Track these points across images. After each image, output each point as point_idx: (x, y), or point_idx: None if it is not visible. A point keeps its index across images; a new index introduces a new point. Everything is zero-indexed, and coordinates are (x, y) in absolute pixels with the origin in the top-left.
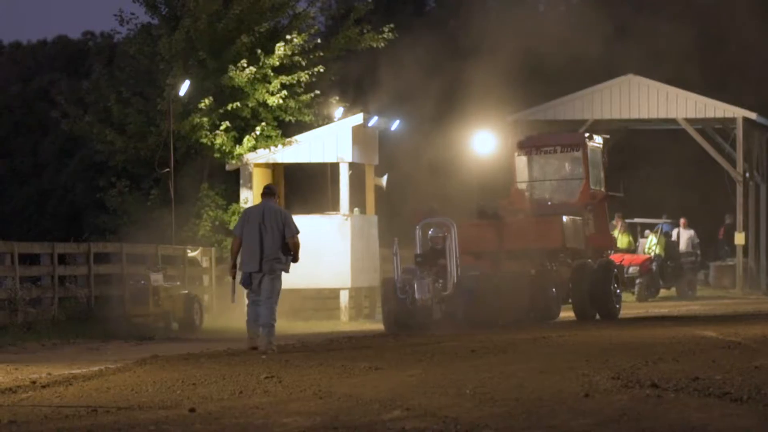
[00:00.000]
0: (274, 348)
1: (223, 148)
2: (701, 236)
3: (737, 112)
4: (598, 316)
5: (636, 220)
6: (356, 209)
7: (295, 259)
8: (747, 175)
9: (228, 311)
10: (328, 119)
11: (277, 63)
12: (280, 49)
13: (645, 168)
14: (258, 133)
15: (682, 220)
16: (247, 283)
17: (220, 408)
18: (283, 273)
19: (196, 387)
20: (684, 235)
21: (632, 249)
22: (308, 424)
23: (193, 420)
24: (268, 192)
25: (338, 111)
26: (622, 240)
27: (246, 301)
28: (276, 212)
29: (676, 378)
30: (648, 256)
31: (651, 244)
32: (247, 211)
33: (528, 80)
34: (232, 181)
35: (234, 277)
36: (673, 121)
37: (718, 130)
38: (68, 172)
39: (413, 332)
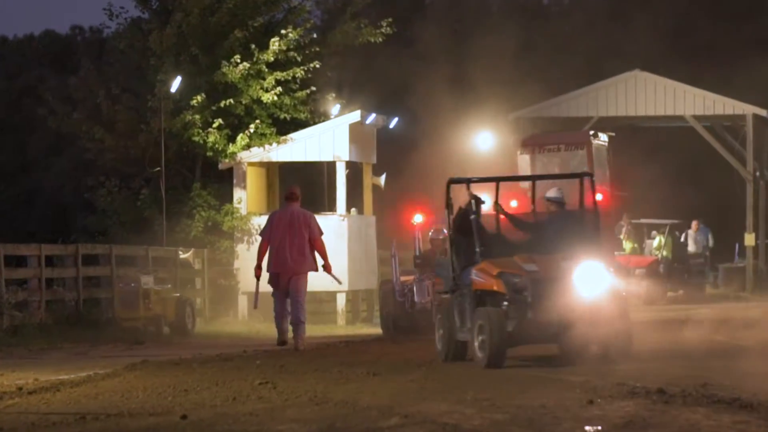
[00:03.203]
0: (304, 346)
1: (216, 146)
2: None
3: (747, 109)
4: None
5: (642, 220)
6: (353, 209)
7: (326, 263)
8: (757, 173)
9: (221, 315)
10: (324, 116)
11: (272, 58)
12: (274, 44)
13: (652, 167)
14: (252, 130)
15: (693, 223)
16: (274, 283)
17: (213, 415)
18: (309, 273)
19: (188, 393)
20: (696, 238)
21: (637, 253)
22: (304, 431)
23: (185, 427)
24: (292, 196)
25: (335, 108)
26: (626, 246)
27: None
28: (301, 215)
29: (683, 384)
30: (655, 257)
31: (658, 245)
32: (274, 214)
33: (530, 77)
34: (225, 180)
35: (258, 278)
36: (681, 118)
37: (728, 128)
38: (56, 172)
39: (412, 336)
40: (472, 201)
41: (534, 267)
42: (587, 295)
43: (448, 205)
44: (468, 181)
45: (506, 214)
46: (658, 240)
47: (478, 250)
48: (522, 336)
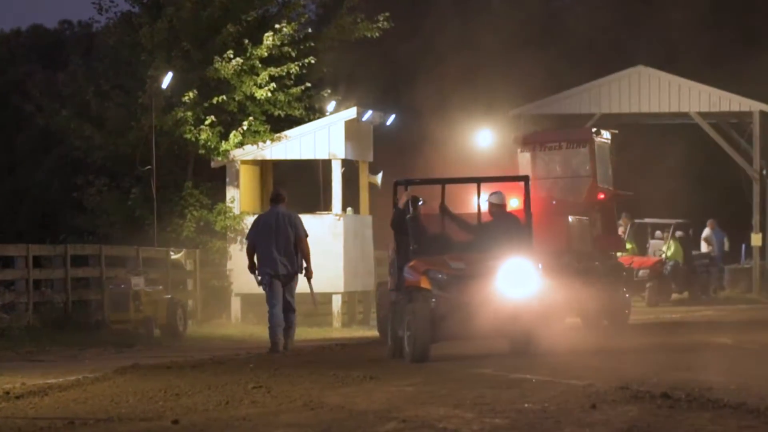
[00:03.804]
0: (293, 345)
1: (208, 144)
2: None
3: (754, 106)
4: (605, 322)
5: (646, 220)
6: (349, 209)
7: (308, 267)
8: (764, 172)
9: (214, 317)
10: (319, 113)
11: (266, 54)
12: (268, 39)
13: (655, 165)
14: (245, 128)
15: (709, 222)
16: (268, 284)
17: (205, 420)
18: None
19: (179, 397)
20: (711, 238)
21: (636, 253)
22: None
23: None
24: (277, 198)
25: (330, 105)
26: (627, 246)
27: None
28: (286, 216)
29: (688, 388)
30: (659, 258)
31: (666, 249)
32: (260, 217)
33: (531, 73)
34: (217, 179)
35: (254, 272)
36: (686, 115)
37: (734, 125)
38: (44, 170)
39: None
40: (409, 201)
41: (461, 265)
42: (510, 293)
43: (396, 205)
44: (409, 183)
45: (451, 215)
46: (673, 245)
47: (411, 248)
48: (446, 332)
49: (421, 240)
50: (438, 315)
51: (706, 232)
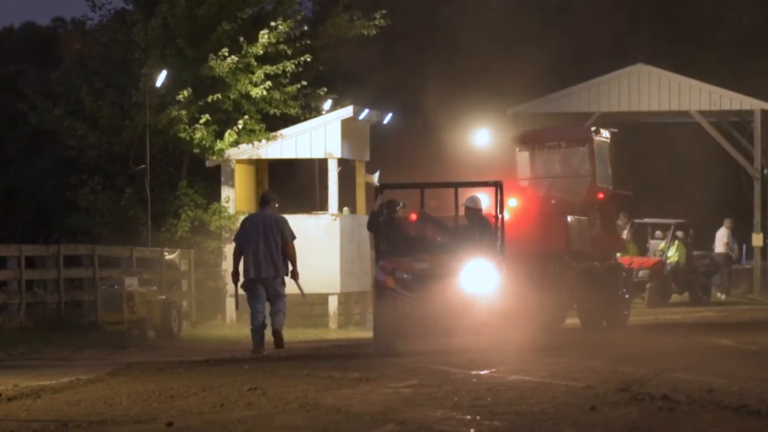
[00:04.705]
0: (280, 331)
1: (203, 143)
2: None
3: (755, 104)
4: (605, 323)
5: (646, 220)
6: (346, 208)
7: (294, 269)
8: (765, 171)
9: (208, 318)
10: (315, 112)
11: (261, 52)
12: (264, 36)
13: (656, 164)
14: (240, 127)
15: (727, 222)
16: (250, 288)
17: (200, 422)
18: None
19: (173, 399)
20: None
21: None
22: None
23: None
24: (266, 200)
25: (326, 103)
26: (629, 249)
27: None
28: (274, 219)
29: (689, 390)
30: (659, 258)
31: (671, 253)
32: (247, 219)
33: (530, 71)
34: (212, 178)
35: (236, 283)
36: (686, 113)
37: (735, 124)
38: (37, 169)
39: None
40: (383, 204)
41: (425, 265)
42: (470, 292)
43: (378, 208)
44: (385, 187)
45: (430, 218)
46: (677, 248)
47: (382, 248)
48: (409, 328)
49: (392, 241)
50: (402, 312)
51: (728, 234)
